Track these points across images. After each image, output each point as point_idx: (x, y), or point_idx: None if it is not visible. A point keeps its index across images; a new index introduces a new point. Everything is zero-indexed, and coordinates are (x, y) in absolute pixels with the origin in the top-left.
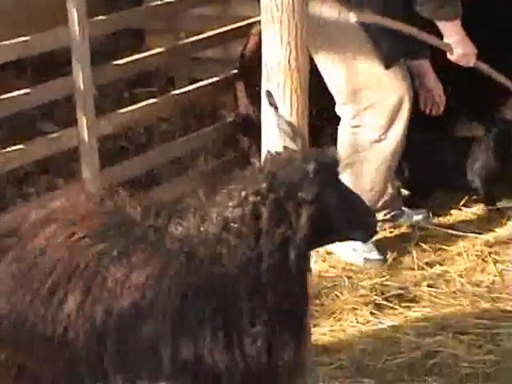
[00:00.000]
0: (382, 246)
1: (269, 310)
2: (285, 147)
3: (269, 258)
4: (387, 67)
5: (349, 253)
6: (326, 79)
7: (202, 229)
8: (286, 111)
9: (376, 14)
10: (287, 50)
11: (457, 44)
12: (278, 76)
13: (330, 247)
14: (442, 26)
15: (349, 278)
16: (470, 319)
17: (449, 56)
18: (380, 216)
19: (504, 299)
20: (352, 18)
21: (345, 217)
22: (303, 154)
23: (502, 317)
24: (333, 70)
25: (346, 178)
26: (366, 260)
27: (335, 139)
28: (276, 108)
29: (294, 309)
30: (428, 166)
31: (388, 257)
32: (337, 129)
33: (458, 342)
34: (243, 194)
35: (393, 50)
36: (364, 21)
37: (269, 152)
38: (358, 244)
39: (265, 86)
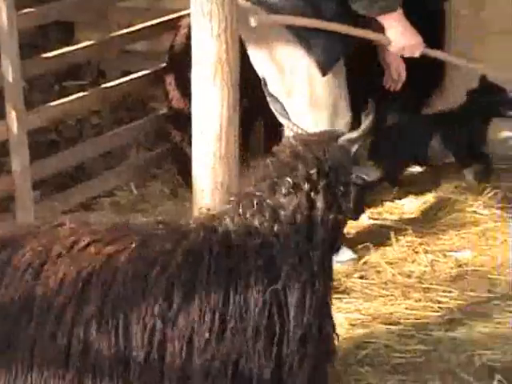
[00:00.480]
0: None
1: (318, 301)
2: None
3: (322, 245)
4: (324, 75)
5: None
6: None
7: (248, 218)
8: (217, 104)
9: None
10: (217, 42)
11: (398, 36)
12: (208, 69)
13: None
14: (380, 19)
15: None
16: (401, 310)
17: (389, 48)
18: None
19: (434, 289)
20: (252, 22)
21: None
22: (335, 134)
23: (432, 307)
24: (265, 71)
25: None
26: (342, 263)
27: (266, 133)
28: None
29: (330, 298)
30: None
31: None
32: (267, 123)
33: (389, 332)
34: (290, 181)
35: (327, 55)
36: (269, 22)
37: (290, 135)
38: None
39: (195, 79)
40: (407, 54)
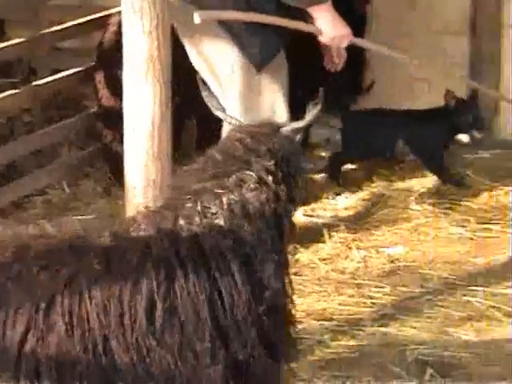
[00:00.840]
0: None
1: (287, 291)
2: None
3: (288, 237)
4: (259, 71)
5: None
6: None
7: (211, 217)
8: (149, 101)
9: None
10: (149, 39)
11: (328, 27)
12: (140, 66)
13: None
14: (310, 10)
15: None
16: (334, 306)
17: (320, 39)
18: None
19: (367, 285)
20: (196, 19)
21: None
22: (276, 125)
23: (365, 302)
24: (200, 68)
25: None
26: None
27: (200, 130)
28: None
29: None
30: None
31: None
32: (201, 121)
33: (322, 328)
34: (254, 175)
35: (264, 53)
36: (213, 18)
37: (233, 126)
38: None
39: (126, 76)
40: (336, 45)
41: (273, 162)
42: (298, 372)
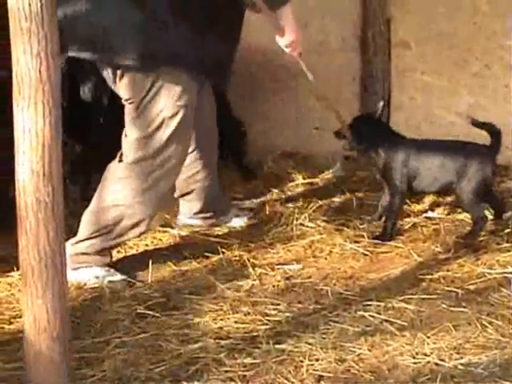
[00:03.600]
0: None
1: None
2: None
3: None
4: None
5: (91, 279)
6: None
7: None
8: (40, 123)
9: None
10: (37, 61)
11: (289, 29)
12: (29, 88)
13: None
14: (279, 12)
15: (109, 288)
16: (230, 324)
17: (277, 40)
18: None
19: (263, 303)
20: None
21: None
22: None
23: (261, 320)
24: None
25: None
26: (110, 282)
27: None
28: None
29: None
30: None
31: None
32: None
33: (219, 346)
34: None
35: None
36: None
37: None
38: (97, 270)
39: (16, 97)
40: (291, 51)
41: None
42: None
